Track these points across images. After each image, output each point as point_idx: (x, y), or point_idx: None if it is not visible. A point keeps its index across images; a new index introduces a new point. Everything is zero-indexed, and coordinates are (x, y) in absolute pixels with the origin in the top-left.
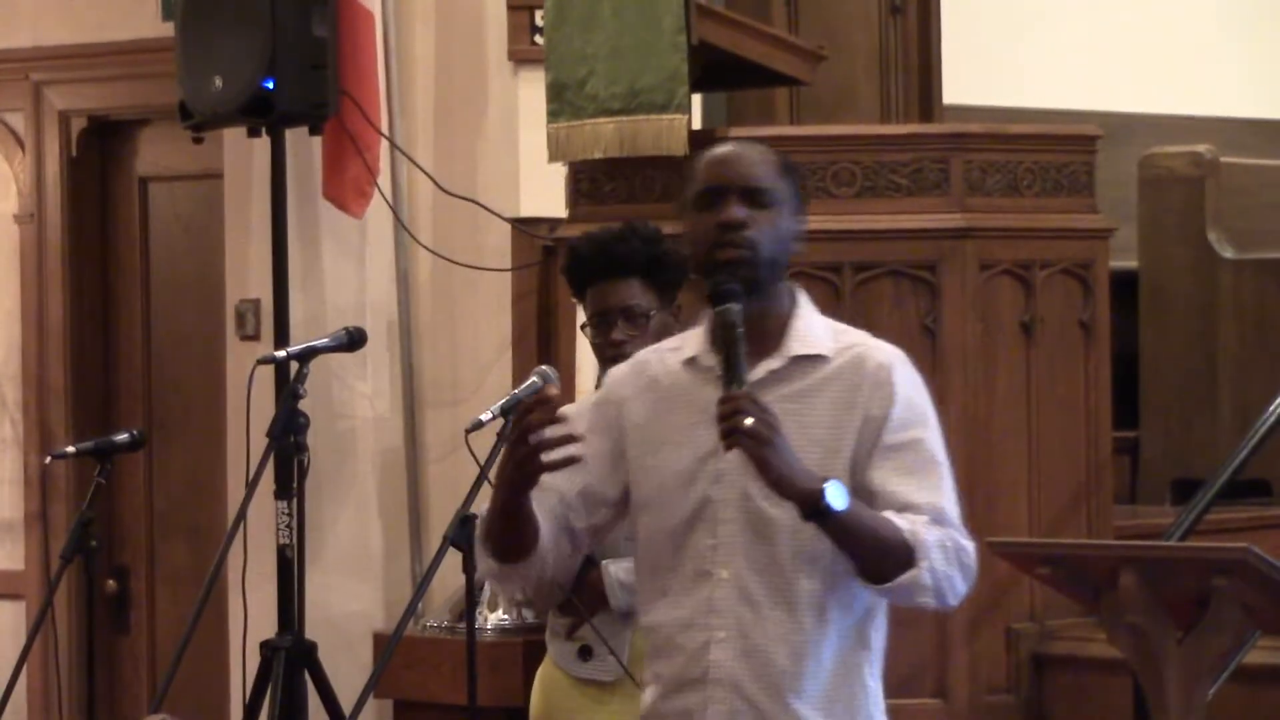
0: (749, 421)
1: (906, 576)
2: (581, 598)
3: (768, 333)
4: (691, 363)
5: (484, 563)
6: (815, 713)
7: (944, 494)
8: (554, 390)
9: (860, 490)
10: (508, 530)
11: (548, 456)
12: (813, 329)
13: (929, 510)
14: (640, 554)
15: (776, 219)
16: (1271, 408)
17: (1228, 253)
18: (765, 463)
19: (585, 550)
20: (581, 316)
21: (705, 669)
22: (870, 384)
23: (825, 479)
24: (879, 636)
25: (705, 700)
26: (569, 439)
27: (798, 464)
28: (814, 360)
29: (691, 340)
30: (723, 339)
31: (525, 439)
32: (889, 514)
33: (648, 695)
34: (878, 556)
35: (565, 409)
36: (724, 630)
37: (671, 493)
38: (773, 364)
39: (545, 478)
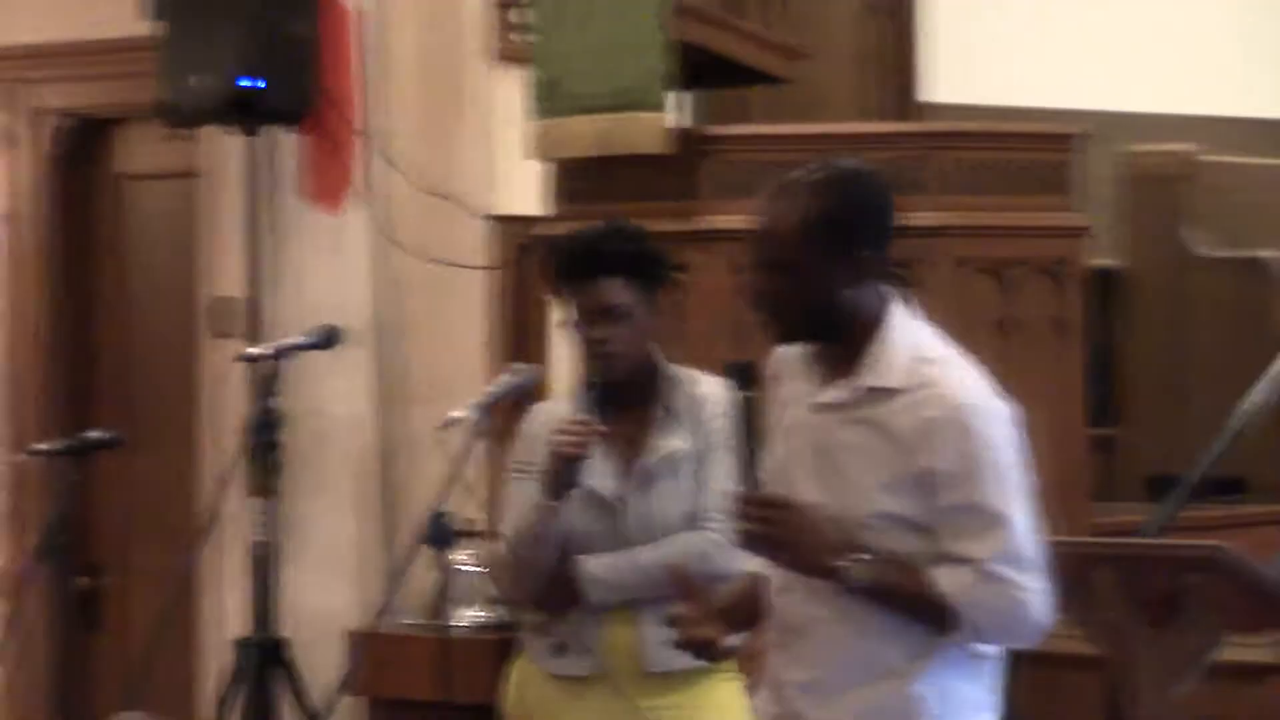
0: (752, 529)
1: (953, 636)
2: (555, 593)
3: (845, 353)
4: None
5: None
6: None
7: (1005, 544)
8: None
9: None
10: None
11: None
12: (893, 354)
13: (981, 565)
14: None
15: (804, 283)
16: (1243, 405)
17: (1206, 251)
18: (781, 562)
19: None
20: (559, 314)
21: (765, 666)
22: (922, 435)
23: (852, 550)
24: (974, 677)
25: (763, 694)
26: None
27: (815, 549)
28: (883, 393)
29: None
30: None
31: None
32: (944, 569)
33: None
34: (919, 619)
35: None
36: (778, 633)
37: (773, 480)
38: (840, 394)
39: None
